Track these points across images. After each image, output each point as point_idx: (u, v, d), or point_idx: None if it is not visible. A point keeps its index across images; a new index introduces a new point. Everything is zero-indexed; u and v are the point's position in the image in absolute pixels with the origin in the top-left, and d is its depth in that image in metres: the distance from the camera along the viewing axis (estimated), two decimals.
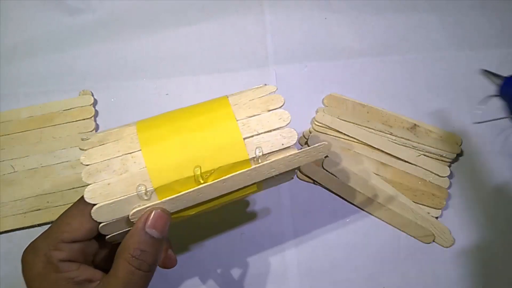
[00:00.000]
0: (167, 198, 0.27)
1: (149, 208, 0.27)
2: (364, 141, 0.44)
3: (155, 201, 0.27)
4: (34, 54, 0.48)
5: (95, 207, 0.26)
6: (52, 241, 0.27)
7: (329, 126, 0.45)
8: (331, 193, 0.43)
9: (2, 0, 0.50)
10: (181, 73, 0.48)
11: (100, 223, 0.27)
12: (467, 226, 0.42)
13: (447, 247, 0.42)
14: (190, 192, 0.27)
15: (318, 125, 0.45)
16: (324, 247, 0.42)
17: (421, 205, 0.42)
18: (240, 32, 0.50)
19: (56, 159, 0.43)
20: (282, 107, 0.29)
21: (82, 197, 0.27)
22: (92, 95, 0.46)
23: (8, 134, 0.44)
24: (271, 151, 0.28)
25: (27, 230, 0.42)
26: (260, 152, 0.28)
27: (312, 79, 0.48)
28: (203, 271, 0.41)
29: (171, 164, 0.27)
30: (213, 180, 0.28)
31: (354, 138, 0.44)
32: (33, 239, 0.28)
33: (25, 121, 0.45)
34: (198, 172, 0.27)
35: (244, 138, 0.28)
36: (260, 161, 0.28)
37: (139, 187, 0.27)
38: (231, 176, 0.28)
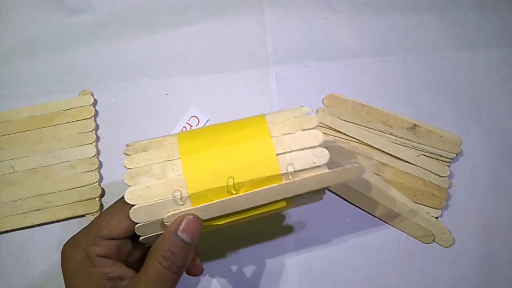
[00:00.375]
0: (200, 205, 0.29)
1: (182, 213, 0.28)
2: (364, 141, 0.44)
3: (189, 207, 0.29)
4: (34, 54, 0.48)
5: (133, 207, 0.28)
6: (91, 236, 0.29)
7: (329, 126, 0.45)
8: (331, 193, 0.43)
9: (2, 0, 0.50)
10: (181, 73, 0.48)
11: (137, 223, 0.29)
12: (467, 226, 0.42)
13: (447, 247, 0.42)
14: (222, 201, 0.29)
15: (318, 125, 0.45)
16: (324, 247, 0.42)
17: (421, 205, 0.42)
18: (240, 32, 0.50)
19: (56, 159, 0.43)
20: (315, 128, 0.31)
21: (122, 197, 0.29)
22: (92, 95, 0.46)
23: (8, 134, 0.44)
24: (302, 168, 0.30)
25: (27, 230, 0.42)
26: (291, 168, 0.29)
27: (312, 79, 0.48)
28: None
29: (206, 173, 0.29)
30: (244, 192, 0.29)
31: (354, 138, 0.44)
32: (74, 234, 0.30)
33: (25, 121, 0.45)
34: (231, 183, 0.29)
35: (277, 154, 0.29)
36: (291, 177, 0.30)
37: (175, 192, 0.29)
38: (262, 189, 0.29)
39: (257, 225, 0.42)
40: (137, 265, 0.31)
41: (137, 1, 0.51)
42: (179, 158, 0.29)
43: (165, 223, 0.29)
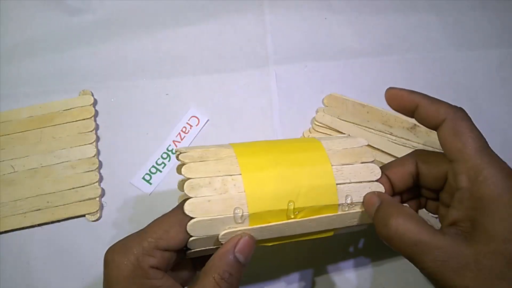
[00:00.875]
0: (258, 225, 0.28)
1: (240, 232, 0.28)
2: None
3: (247, 226, 0.28)
4: (34, 54, 0.48)
5: (193, 220, 0.27)
6: (147, 245, 0.27)
7: (329, 126, 0.45)
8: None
9: (2, 0, 0.50)
10: (181, 73, 0.48)
11: (191, 236, 0.28)
12: None
13: None
14: (279, 224, 0.29)
15: (318, 125, 0.45)
16: (324, 247, 0.42)
17: None
18: (240, 32, 0.50)
19: (56, 159, 0.43)
20: (373, 162, 0.31)
21: (181, 206, 0.27)
22: (92, 95, 0.46)
23: (8, 134, 0.44)
24: (359, 201, 0.30)
25: (27, 230, 0.42)
26: (349, 199, 0.30)
27: (312, 79, 0.48)
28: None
29: (268, 194, 0.28)
30: (302, 218, 0.29)
31: None
32: (123, 239, 0.28)
33: (25, 121, 0.45)
34: (292, 207, 0.29)
35: (337, 184, 0.30)
36: (347, 209, 0.30)
37: (236, 210, 0.28)
38: (318, 218, 0.29)
39: None
40: (173, 274, 0.30)
41: (137, 1, 0.51)
42: (240, 174, 0.29)
43: (220, 240, 0.28)
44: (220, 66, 0.48)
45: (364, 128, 0.45)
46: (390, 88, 0.31)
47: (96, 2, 0.50)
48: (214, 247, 0.29)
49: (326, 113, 0.45)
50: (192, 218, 0.27)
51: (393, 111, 0.46)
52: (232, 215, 0.28)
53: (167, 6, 0.50)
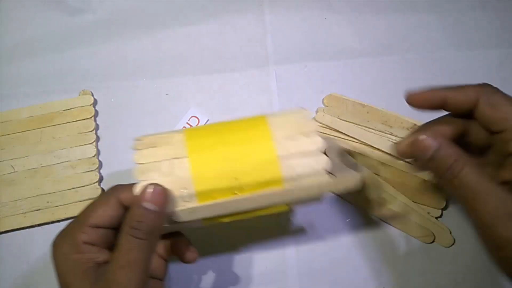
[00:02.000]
0: (205, 203, 0.30)
1: (145, 185, 0.29)
2: (364, 141, 0.44)
3: (195, 204, 0.30)
4: (34, 54, 0.48)
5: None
6: (78, 225, 0.30)
7: (329, 126, 0.45)
8: (331, 193, 0.43)
9: (2, 0, 0.50)
10: (181, 73, 0.48)
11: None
12: (467, 226, 0.42)
13: (447, 247, 0.42)
14: (226, 201, 0.30)
15: (318, 125, 0.45)
16: (324, 247, 0.42)
17: (421, 205, 0.42)
18: (240, 32, 0.50)
19: (56, 159, 0.43)
20: (316, 132, 0.31)
21: (107, 190, 0.32)
22: (92, 95, 0.46)
23: (8, 134, 0.44)
24: (303, 173, 0.31)
25: (27, 230, 0.42)
26: (293, 173, 0.30)
27: (312, 79, 0.48)
28: (202, 271, 0.41)
29: (212, 173, 0.30)
30: (248, 193, 0.30)
31: (354, 138, 0.44)
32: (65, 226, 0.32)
33: (25, 121, 0.45)
34: (236, 184, 0.30)
35: (279, 158, 0.30)
36: (292, 181, 0.31)
37: (183, 190, 0.30)
38: (264, 193, 0.30)
39: (258, 225, 0.42)
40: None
41: (137, 1, 0.51)
42: (187, 157, 0.30)
43: (173, 218, 0.30)
44: (220, 66, 0.48)
45: (364, 128, 0.45)
46: (410, 93, 0.32)
47: (96, 2, 0.50)
48: (169, 225, 0.31)
49: (326, 113, 0.45)
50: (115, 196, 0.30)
51: (393, 111, 0.46)
52: (179, 194, 0.30)
53: (167, 6, 0.50)
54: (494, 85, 0.47)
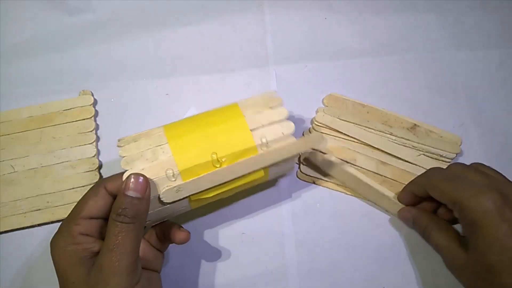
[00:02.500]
0: (191, 179, 0.33)
1: (127, 175, 0.32)
2: (364, 141, 0.44)
3: (180, 182, 0.33)
4: (34, 54, 0.48)
5: None
6: (73, 218, 0.32)
7: (329, 126, 0.45)
8: (331, 193, 0.43)
9: (2, 0, 0.50)
10: (181, 73, 0.48)
11: None
12: None
13: None
14: (209, 174, 0.33)
15: (318, 125, 0.45)
16: (324, 247, 0.42)
17: None
18: (240, 32, 0.50)
19: (56, 159, 0.43)
20: (281, 105, 0.36)
21: (97, 182, 0.34)
22: (92, 95, 0.46)
23: (8, 134, 0.44)
24: (273, 139, 0.35)
25: (27, 230, 0.42)
26: (264, 140, 0.35)
27: (312, 79, 0.48)
28: (202, 271, 0.41)
29: (192, 152, 0.33)
30: (227, 164, 0.34)
31: (354, 138, 0.44)
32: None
33: (25, 121, 0.45)
34: (215, 157, 0.34)
35: (251, 129, 0.34)
36: (265, 148, 0.35)
37: (168, 171, 0.33)
38: (242, 160, 0.34)
39: (257, 224, 0.42)
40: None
41: (137, 1, 0.51)
42: (167, 143, 0.34)
43: (162, 199, 0.33)
44: (220, 66, 0.48)
45: (364, 128, 0.45)
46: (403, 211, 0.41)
47: (96, 2, 0.50)
48: (161, 207, 0.34)
49: (326, 113, 0.45)
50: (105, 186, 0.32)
51: (393, 111, 0.46)
52: (165, 175, 0.33)
53: (167, 6, 0.50)
54: (494, 85, 0.48)
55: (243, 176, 0.34)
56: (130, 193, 0.31)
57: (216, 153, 0.33)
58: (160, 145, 0.33)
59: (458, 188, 0.34)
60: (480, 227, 0.32)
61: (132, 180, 0.31)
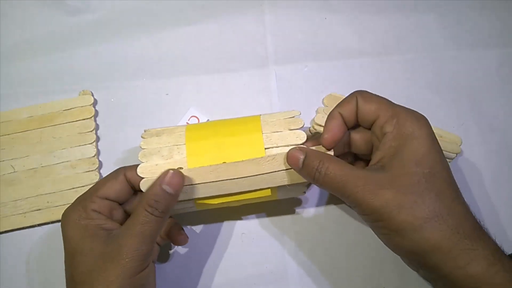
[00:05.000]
0: (195, 183, 0.34)
1: (167, 170, 0.32)
2: None
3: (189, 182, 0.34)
4: (34, 54, 0.48)
5: (144, 179, 0.34)
6: (89, 195, 0.34)
7: None
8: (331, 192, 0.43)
9: (2, 0, 0.50)
10: (181, 73, 0.48)
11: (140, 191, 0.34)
12: None
13: None
14: (210, 166, 0.34)
15: (318, 125, 0.45)
16: (324, 247, 0.42)
17: None
18: (240, 32, 0.50)
19: (56, 159, 0.43)
20: (301, 128, 0.36)
21: (118, 168, 0.36)
22: (92, 95, 0.46)
23: (8, 134, 0.44)
24: (282, 153, 0.34)
25: (27, 230, 0.42)
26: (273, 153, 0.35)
27: (312, 79, 0.48)
28: (202, 271, 0.41)
29: (204, 157, 0.34)
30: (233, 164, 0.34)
31: None
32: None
33: (25, 121, 0.45)
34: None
35: (266, 148, 0.35)
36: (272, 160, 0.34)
37: (178, 168, 0.34)
38: (246, 161, 0.34)
39: (257, 223, 0.42)
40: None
41: (137, 1, 0.51)
42: (184, 144, 0.35)
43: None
44: (220, 66, 0.48)
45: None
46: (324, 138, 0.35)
47: (96, 2, 0.50)
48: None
49: (326, 113, 0.45)
50: (143, 178, 0.34)
51: None
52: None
53: (167, 6, 0.50)
54: (494, 85, 0.48)
55: (250, 191, 0.35)
56: (166, 187, 0.32)
57: (225, 162, 0.34)
58: (177, 145, 0.35)
59: (392, 103, 0.34)
60: (412, 136, 0.31)
61: (171, 175, 0.32)
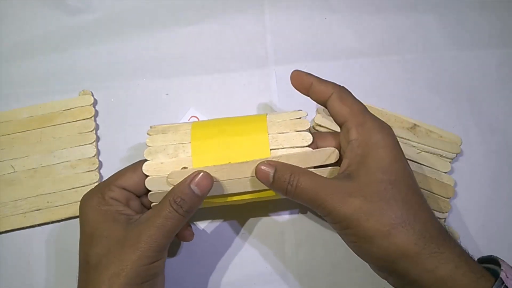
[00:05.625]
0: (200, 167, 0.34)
1: (198, 171, 0.33)
2: None
3: None
4: (34, 54, 0.48)
5: (148, 178, 0.34)
6: (108, 184, 0.35)
7: (328, 128, 0.44)
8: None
9: (2, 0, 0.50)
10: (181, 73, 0.48)
11: (149, 191, 0.34)
12: (467, 226, 0.42)
13: None
14: (215, 166, 0.34)
15: (318, 126, 0.45)
16: (324, 247, 0.42)
17: None
18: (240, 32, 0.50)
19: (56, 159, 0.43)
20: (307, 130, 0.35)
21: (139, 160, 0.35)
22: (92, 95, 0.46)
23: (8, 134, 0.44)
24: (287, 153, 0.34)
25: (27, 230, 0.42)
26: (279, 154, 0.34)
27: None
28: (202, 271, 0.41)
29: (209, 157, 0.34)
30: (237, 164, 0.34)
31: None
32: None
33: (25, 121, 0.45)
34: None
35: (271, 149, 0.34)
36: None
37: (182, 168, 0.34)
38: (251, 161, 0.34)
39: (257, 223, 0.42)
40: None
41: (137, 1, 0.51)
42: (190, 143, 0.35)
43: (169, 181, 0.34)
44: (220, 66, 0.48)
45: None
46: (295, 70, 0.37)
47: (96, 2, 0.50)
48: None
49: (325, 113, 0.45)
50: (148, 175, 0.34)
51: (393, 111, 0.46)
52: (179, 170, 0.34)
53: (167, 6, 0.50)
54: (493, 85, 0.48)
55: (254, 192, 0.35)
56: (194, 188, 0.32)
57: (231, 163, 0.34)
58: (183, 143, 0.35)
59: (365, 110, 0.34)
60: (377, 145, 0.32)
61: (201, 176, 0.32)
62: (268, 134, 0.35)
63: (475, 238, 0.42)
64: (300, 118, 0.36)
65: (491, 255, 0.33)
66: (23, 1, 0.50)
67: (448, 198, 0.42)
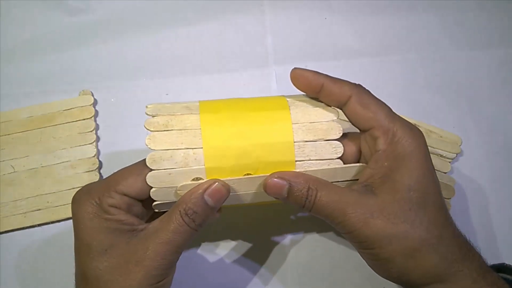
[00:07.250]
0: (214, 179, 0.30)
1: (213, 180, 0.29)
2: None
3: None
4: (34, 54, 0.48)
5: (153, 189, 0.30)
6: (107, 188, 0.30)
7: None
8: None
9: (2, 0, 0.50)
10: (181, 73, 0.48)
11: (154, 201, 0.30)
12: (467, 227, 0.42)
13: None
14: (232, 179, 0.30)
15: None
16: (324, 247, 0.42)
17: None
18: (240, 32, 0.50)
19: (56, 159, 0.43)
20: (338, 139, 0.31)
21: (143, 160, 0.30)
22: (92, 95, 0.46)
23: (8, 134, 0.44)
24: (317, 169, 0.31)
25: (27, 230, 0.42)
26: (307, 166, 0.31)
27: None
28: (202, 271, 0.41)
29: (226, 167, 0.30)
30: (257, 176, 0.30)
31: None
32: (88, 184, 0.32)
33: (25, 121, 0.45)
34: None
35: (296, 161, 0.30)
36: (303, 168, 0.30)
37: (195, 180, 0.30)
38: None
39: (257, 223, 0.42)
40: None
41: (137, 1, 0.51)
42: (202, 148, 0.29)
43: (178, 192, 0.30)
44: (220, 66, 0.48)
45: None
46: (295, 68, 0.32)
47: (96, 2, 0.50)
48: (174, 201, 0.31)
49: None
50: (151, 170, 0.29)
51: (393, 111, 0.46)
52: (190, 181, 0.30)
53: (167, 6, 0.50)
54: (494, 85, 0.48)
55: (271, 202, 0.32)
56: (208, 199, 0.29)
57: (250, 174, 0.30)
58: (193, 148, 0.30)
59: (392, 114, 0.31)
60: (408, 158, 0.29)
61: (216, 187, 0.29)
62: (294, 142, 0.30)
63: (475, 238, 0.42)
64: (332, 120, 0.31)
65: (504, 263, 0.32)
66: (23, 1, 0.50)
67: (448, 198, 0.42)
